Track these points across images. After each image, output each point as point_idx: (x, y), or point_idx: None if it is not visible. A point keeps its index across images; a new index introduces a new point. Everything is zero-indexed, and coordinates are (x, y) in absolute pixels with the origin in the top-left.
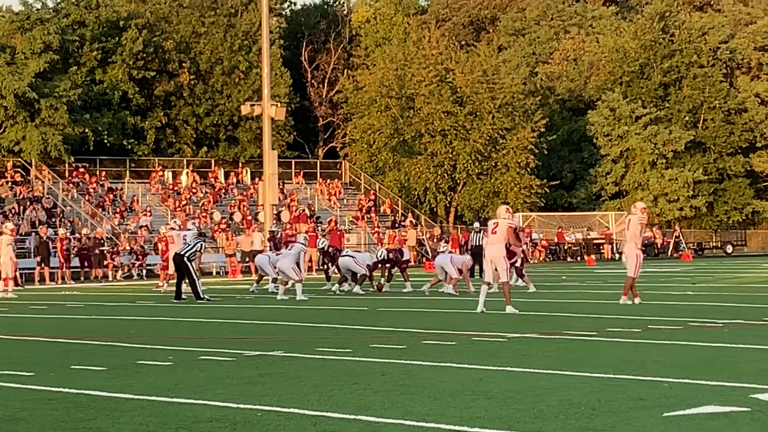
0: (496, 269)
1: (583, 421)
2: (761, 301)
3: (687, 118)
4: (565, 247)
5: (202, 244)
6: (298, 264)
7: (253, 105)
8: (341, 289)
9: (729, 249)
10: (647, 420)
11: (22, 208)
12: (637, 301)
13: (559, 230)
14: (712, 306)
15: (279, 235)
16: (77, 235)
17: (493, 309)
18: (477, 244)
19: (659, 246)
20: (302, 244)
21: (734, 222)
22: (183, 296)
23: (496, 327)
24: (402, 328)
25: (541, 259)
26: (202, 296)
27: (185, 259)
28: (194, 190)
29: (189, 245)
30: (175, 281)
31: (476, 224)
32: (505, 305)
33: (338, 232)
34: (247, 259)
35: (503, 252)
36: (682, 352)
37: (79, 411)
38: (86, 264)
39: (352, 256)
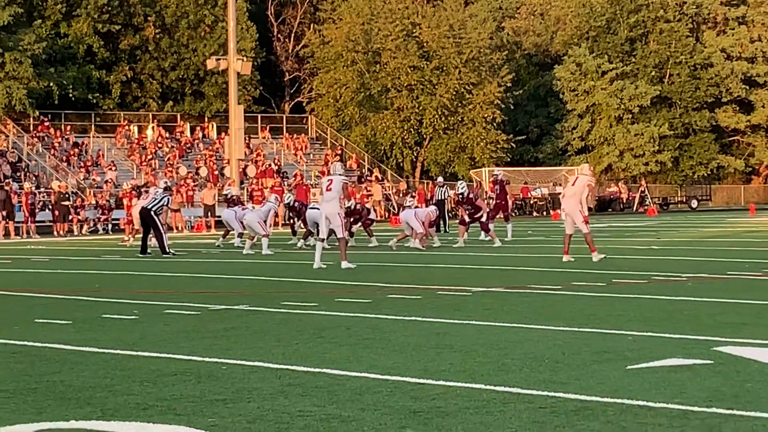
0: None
1: (547, 374)
2: (725, 255)
3: (653, 74)
4: (531, 202)
5: (168, 198)
6: (265, 220)
7: (219, 59)
8: (307, 243)
9: (694, 204)
10: (611, 373)
11: None
12: (566, 258)
13: (524, 185)
14: (677, 260)
15: (235, 197)
16: (42, 189)
17: (459, 264)
18: (441, 198)
19: (624, 201)
20: (273, 203)
21: (699, 177)
22: (148, 251)
23: (461, 281)
24: (367, 282)
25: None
26: (167, 250)
27: (152, 213)
28: (160, 145)
29: (156, 199)
30: (140, 236)
31: (440, 179)
32: (341, 261)
33: (304, 187)
34: (210, 214)
35: (338, 208)
36: (646, 305)
37: (43, 364)
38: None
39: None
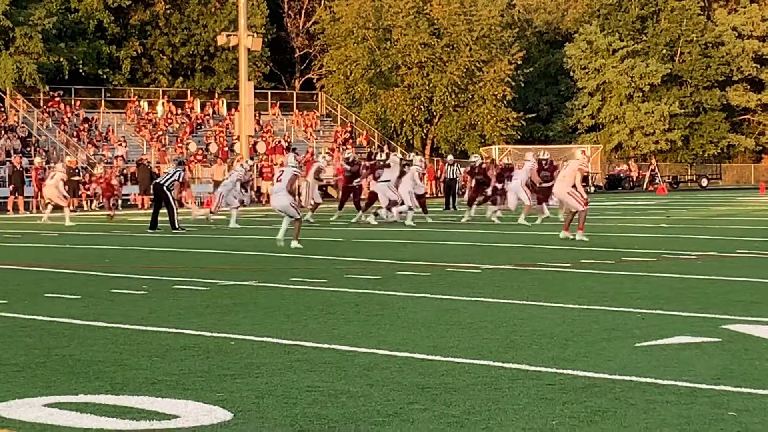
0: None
1: (556, 351)
2: (734, 234)
3: (664, 52)
4: None
5: (181, 173)
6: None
7: (230, 35)
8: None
9: (704, 182)
10: (619, 350)
11: None
12: (564, 234)
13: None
14: (686, 238)
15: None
16: (51, 164)
17: (468, 241)
18: (451, 176)
19: (635, 179)
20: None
21: (709, 155)
22: (158, 226)
23: (471, 258)
24: (376, 259)
25: None
26: (177, 226)
27: (164, 188)
28: (170, 121)
29: (168, 174)
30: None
31: (450, 157)
32: (293, 239)
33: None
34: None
35: (288, 200)
36: (655, 283)
37: (53, 338)
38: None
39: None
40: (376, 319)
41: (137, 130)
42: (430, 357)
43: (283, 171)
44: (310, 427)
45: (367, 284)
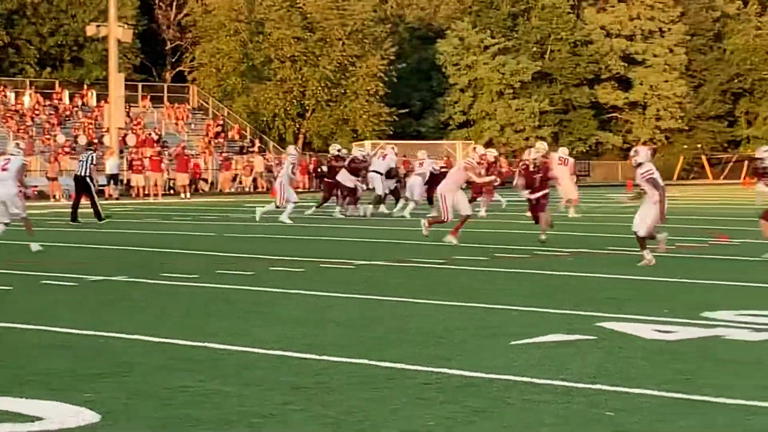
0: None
1: (431, 349)
2: (605, 231)
3: (534, 49)
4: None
5: (92, 155)
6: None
7: (99, 26)
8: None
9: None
10: (495, 348)
11: None
12: (451, 239)
13: (404, 159)
14: (557, 235)
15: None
16: None
17: (342, 236)
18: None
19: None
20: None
21: (579, 153)
22: (79, 219)
23: (345, 254)
24: (250, 254)
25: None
26: (102, 217)
27: (87, 179)
28: (37, 112)
29: (82, 162)
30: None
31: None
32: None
33: (185, 158)
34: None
35: (15, 189)
36: (529, 280)
37: None
38: None
39: None
40: (250, 316)
41: (3, 121)
42: (304, 355)
43: (9, 159)
44: (182, 430)
45: (241, 280)
